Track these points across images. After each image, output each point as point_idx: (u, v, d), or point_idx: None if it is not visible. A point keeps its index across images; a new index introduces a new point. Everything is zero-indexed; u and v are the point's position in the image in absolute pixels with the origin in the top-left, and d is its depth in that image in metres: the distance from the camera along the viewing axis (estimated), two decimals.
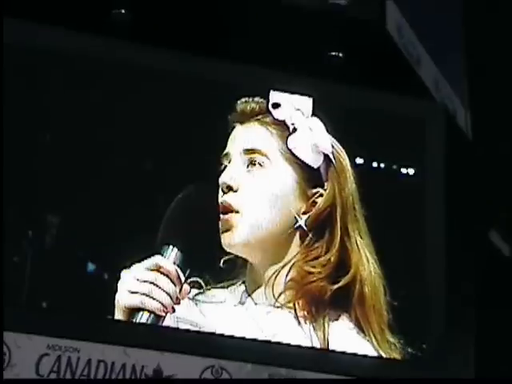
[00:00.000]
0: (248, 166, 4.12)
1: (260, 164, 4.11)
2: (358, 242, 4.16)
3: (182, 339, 4.81)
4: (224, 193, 4.07)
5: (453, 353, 5.20)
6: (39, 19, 4.85)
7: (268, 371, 4.85)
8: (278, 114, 4.31)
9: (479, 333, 5.62)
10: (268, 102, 4.38)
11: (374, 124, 5.14)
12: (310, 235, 4.10)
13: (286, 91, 4.88)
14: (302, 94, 4.95)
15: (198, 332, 4.76)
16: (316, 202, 4.12)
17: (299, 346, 4.54)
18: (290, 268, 4.08)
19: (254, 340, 4.73)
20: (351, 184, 4.23)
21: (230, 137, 4.28)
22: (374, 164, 5.11)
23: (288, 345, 4.52)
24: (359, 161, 4.92)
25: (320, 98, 4.87)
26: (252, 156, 4.13)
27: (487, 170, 5.83)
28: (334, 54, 5.41)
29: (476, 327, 5.63)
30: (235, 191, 4.06)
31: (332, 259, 4.07)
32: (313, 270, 4.06)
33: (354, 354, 4.41)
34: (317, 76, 5.20)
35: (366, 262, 4.14)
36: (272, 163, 4.13)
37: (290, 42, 5.29)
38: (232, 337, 4.77)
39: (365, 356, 4.70)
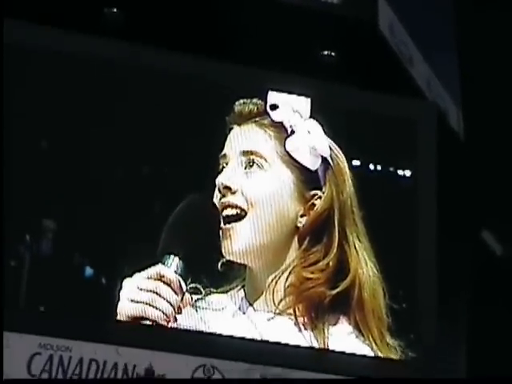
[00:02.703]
0: (246, 168, 4.07)
1: (258, 166, 4.06)
2: (357, 245, 4.11)
3: (174, 338, 4.81)
4: (221, 193, 4.03)
5: (445, 351, 5.18)
6: (31, 19, 4.81)
7: (260, 370, 4.83)
8: (275, 115, 4.26)
9: (471, 331, 5.60)
10: (266, 103, 4.34)
11: (367, 125, 5.11)
12: (308, 238, 4.06)
13: (280, 91, 4.91)
14: (295, 94, 4.98)
15: (189, 331, 4.77)
16: (314, 205, 4.07)
17: (291, 346, 4.53)
18: (289, 274, 4.03)
19: (245, 339, 4.73)
20: (349, 187, 4.19)
21: (228, 138, 4.24)
22: (371, 166, 5.08)
23: (279, 343, 4.50)
24: (356, 163, 4.89)
25: (315, 98, 4.89)
26: (250, 157, 4.07)
27: (479, 169, 5.79)
28: (326, 53, 5.36)
29: (468, 325, 5.61)
30: (233, 193, 4.02)
31: (330, 264, 4.02)
32: (311, 275, 4.02)
33: (343, 353, 4.41)
34: (310, 75, 5.17)
35: (364, 266, 4.10)
36: (270, 165, 4.08)
37: (283, 42, 5.25)
38: (223, 336, 4.77)
39: (358, 355, 4.72)
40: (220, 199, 4.01)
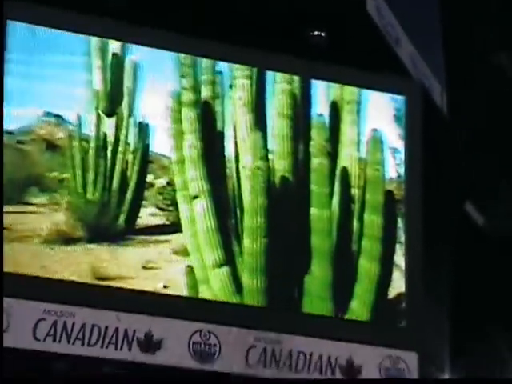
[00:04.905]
0: None
1: None
2: None
3: (172, 304, 5.01)
4: None
5: (431, 314, 5.46)
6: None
7: (254, 335, 5.02)
8: None
9: (454, 303, 5.83)
10: None
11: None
12: None
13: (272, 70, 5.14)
14: (288, 73, 5.21)
15: (187, 298, 4.97)
16: None
17: (282, 311, 4.75)
18: None
19: (241, 305, 4.95)
20: None
21: None
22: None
23: (271, 309, 4.72)
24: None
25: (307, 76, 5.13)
26: None
27: (462, 142, 6.01)
28: (317, 33, 5.54)
29: (450, 297, 5.84)
30: None
31: None
32: None
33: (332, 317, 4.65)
34: (302, 55, 5.37)
35: None
36: None
37: (274, 22, 5.41)
38: (219, 302, 4.98)
39: (341, 319, 4.99)
40: None
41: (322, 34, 5.53)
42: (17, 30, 5.00)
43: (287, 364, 5.05)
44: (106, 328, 4.83)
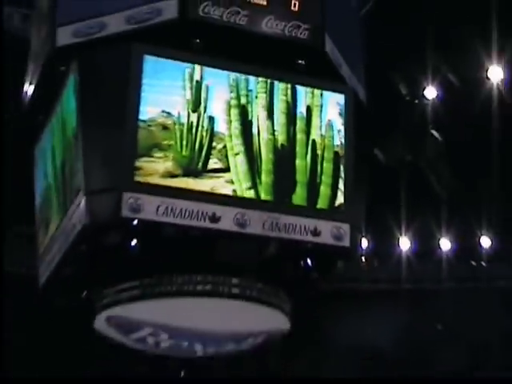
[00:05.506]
0: None
1: None
2: None
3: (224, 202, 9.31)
4: None
5: (355, 208, 10.17)
6: None
7: (267, 215, 9.49)
8: None
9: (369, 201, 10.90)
10: None
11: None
12: None
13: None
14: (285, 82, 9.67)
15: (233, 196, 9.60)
16: None
17: (280, 203, 9.55)
18: None
19: (261, 201, 9.57)
20: None
21: None
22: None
23: (275, 202, 9.58)
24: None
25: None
26: None
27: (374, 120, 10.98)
28: (300, 62, 10.00)
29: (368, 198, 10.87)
30: None
31: None
32: None
33: (305, 206, 9.60)
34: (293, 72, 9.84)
35: None
36: None
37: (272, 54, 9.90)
38: (249, 199, 9.64)
39: (311, 207, 9.75)
40: None
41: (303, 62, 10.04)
42: (148, 62, 9.37)
43: (282, 229, 9.54)
44: (196, 210, 9.37)
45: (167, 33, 9.51)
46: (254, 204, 9.58)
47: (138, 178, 9.27)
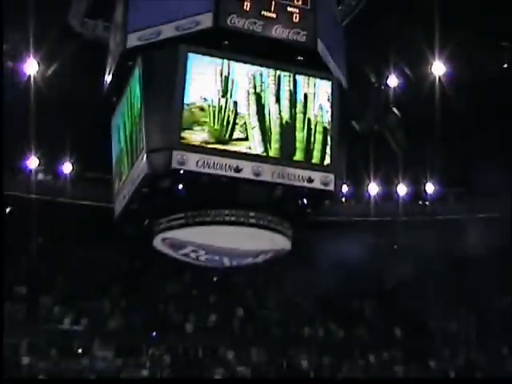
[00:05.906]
0: None
1: None
2: None
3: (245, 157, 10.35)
4: None
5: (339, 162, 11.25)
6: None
7: (274, 167, 10.45)
8: None
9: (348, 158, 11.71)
10: None
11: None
12: None
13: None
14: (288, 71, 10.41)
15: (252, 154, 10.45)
16: None
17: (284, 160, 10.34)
18: None
19: (269, 157, 10.45)
20: None
21: None
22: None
23: (280, 159, 10.37)
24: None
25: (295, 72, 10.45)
26: None
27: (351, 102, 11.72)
28: (299, 58, 10.83)
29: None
30: None
31: None
32: None
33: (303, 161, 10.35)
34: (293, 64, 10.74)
35: None
36: None
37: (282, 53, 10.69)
38: (264, 156, 10.50)
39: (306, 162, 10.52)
40: None
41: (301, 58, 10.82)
42: (191, 59, 10.12)
43: (286, 178, 10.49)
44: (224, 163, 10.32)
45: (204, 37, 10.69)
46: (266, 159, 10.89)
47: (183, 142, 10.47)
